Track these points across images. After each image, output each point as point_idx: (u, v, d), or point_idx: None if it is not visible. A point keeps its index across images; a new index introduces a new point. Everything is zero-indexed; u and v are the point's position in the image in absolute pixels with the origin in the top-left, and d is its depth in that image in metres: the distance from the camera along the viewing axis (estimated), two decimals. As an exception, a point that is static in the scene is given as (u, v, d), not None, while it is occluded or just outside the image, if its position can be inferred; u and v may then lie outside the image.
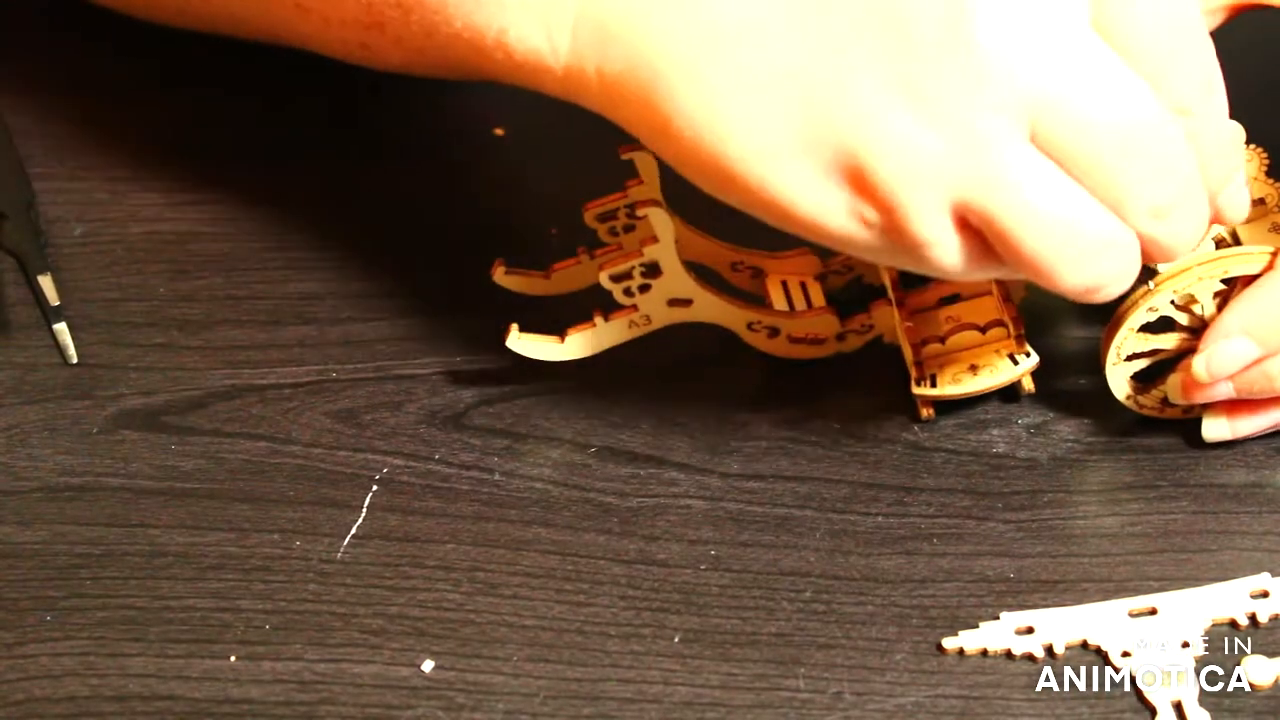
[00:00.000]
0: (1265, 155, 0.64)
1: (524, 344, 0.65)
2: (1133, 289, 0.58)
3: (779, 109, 0.55)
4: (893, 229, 0.55)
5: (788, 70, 0.55)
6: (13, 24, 0.78)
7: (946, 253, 0.56)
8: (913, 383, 0.64)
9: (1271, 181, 0.64)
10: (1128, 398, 0.64)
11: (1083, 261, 0.55)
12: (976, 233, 0.55)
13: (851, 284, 0.68)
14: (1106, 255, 0.56)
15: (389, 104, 0.75)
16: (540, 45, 0.59)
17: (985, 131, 0.54)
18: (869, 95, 0.54)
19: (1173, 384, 0.62)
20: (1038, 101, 0.54)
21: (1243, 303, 0.61)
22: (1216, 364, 0.61)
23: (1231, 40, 0.60)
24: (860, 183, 0.55)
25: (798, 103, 0.54)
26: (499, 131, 0.75)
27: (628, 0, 0.57)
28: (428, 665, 0.60)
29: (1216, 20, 0.61)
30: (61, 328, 0.68)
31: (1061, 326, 0.67)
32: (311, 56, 0.71)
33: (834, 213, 0.55)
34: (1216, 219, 0.59)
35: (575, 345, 0.65)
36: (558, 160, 0.73)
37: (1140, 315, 0.61)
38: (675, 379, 0.67)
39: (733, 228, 0.66)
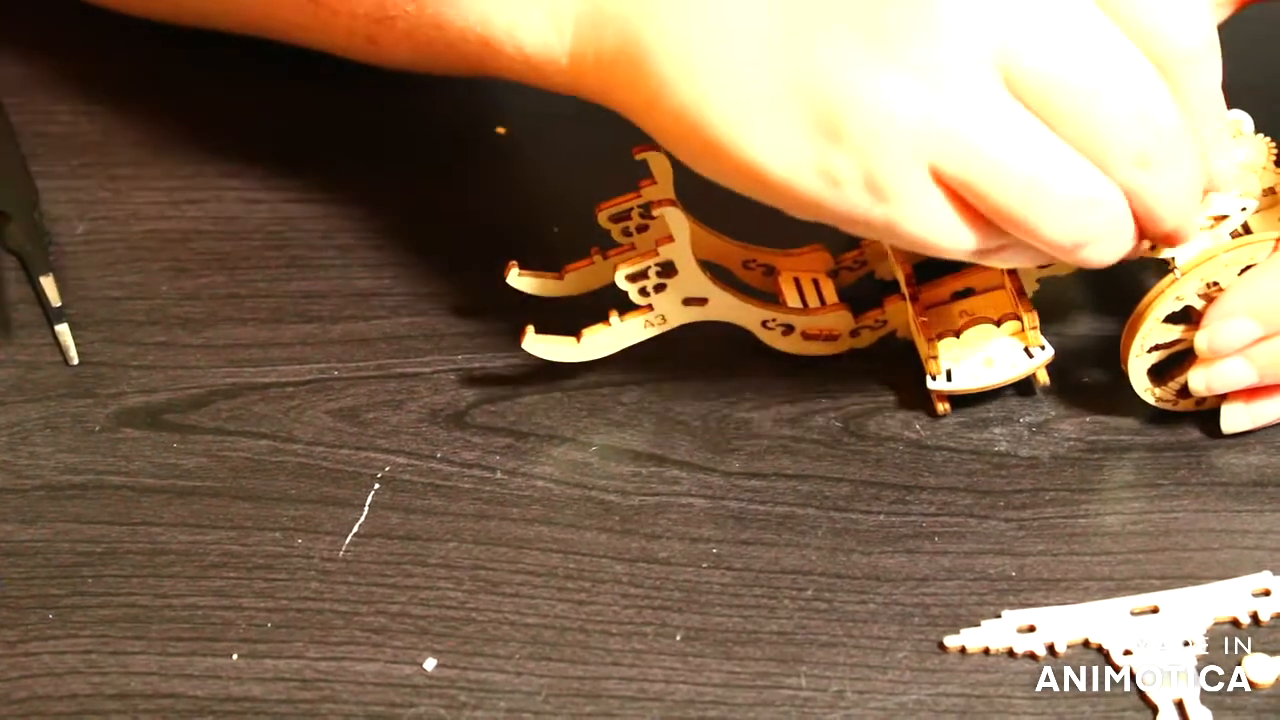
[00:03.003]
0: (1275, 145, 0.64)
1: (540, 346, 0.65)
2: (1156, 278, 0.58)
3: (755, 71, 0.55)
4: (867, 185, 0.55)
5: (764, 32, 0.55)
6: (15, 23, 0.78)
7: (919, 212, 0.56)
8: (928, 378, 0.64)
9: None
10: (1146, 390, 0.64)
11: (1063, 215, 0.55)
12: (954, 196, 0.55)
13: (864, 280, 0.68)
14: (1088, 209, 0.55)
15: (391, 102, 0.75)
16: (548, 36, 0.60)
17: (955, 82, 0.54)
18: (842, 51, 0.54)
19: (1195, 374, 0.62)
20: (1009, 51, 0.54)
21: (1246, 282, 0.61)
22: (1218, 341, 0.61)
23: (1241, 31, 0.60)
24: (835, 136, 0.55)
25: (773, 64, 0.55)
26: (501, 130, 0.75)
27: None
28: (430, 663, 0.60)
29: (1226, 12, 0.62)
30: (63, 329, 0.68)
31: (1066, 324, 0.67)
32: (314, 55, 0.71)
33: (807, 172, 0.55)
34: (1209, 188, 0.59)
35: (591, 346, 0.65)
36: (560, 159, 0.73)
37: (1167, 304, 0.61)
38: (676, 377, 0.67)
39: (744, 226, 0.66)
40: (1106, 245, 0.57)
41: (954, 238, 0.57)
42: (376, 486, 0.64)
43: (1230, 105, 0.63)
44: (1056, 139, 0.55)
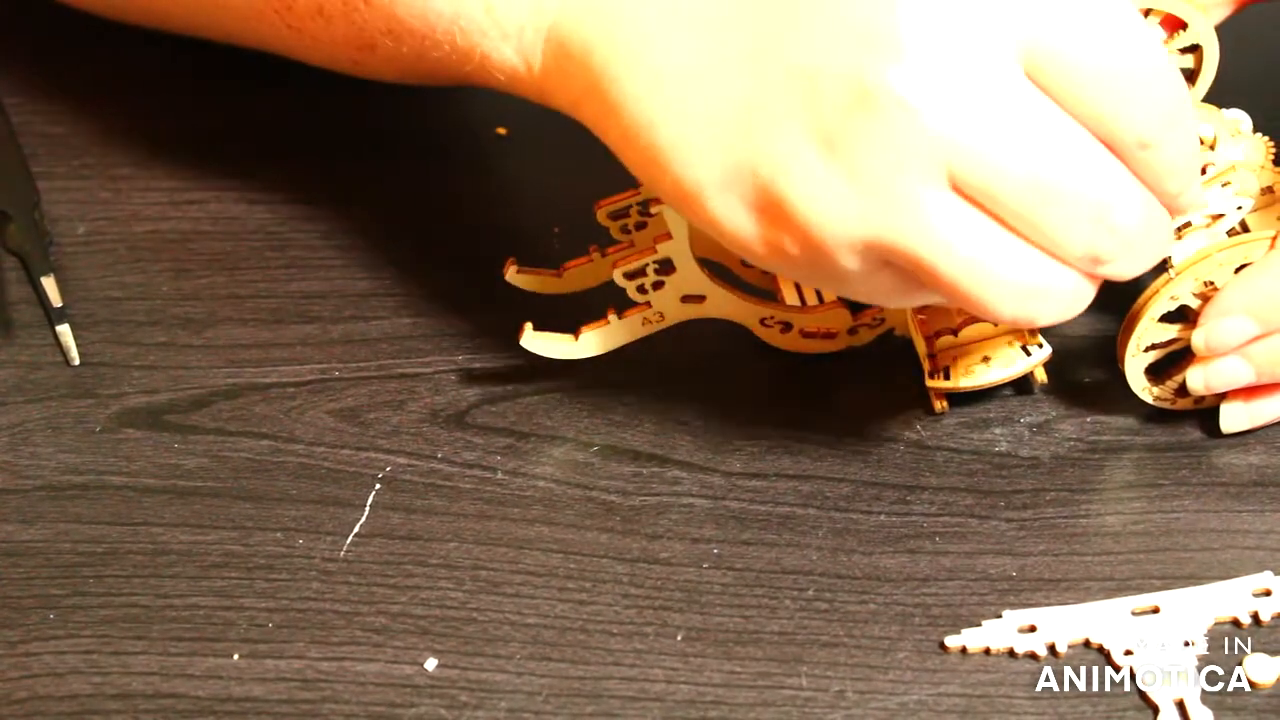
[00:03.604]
0: (1273, 144, 0.64)
1: (538, 343, 0.65)
2: (1152, 277, 0.58)
3: (710, 146, 0.57)
4: (810, 261, 0.56)
5: (720, 113, 0.56)
6: (16, 24, 0.78)
7: (874, 287, 0.57)
8: (926, 375, 0.64)
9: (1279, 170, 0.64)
10: (1143, 389, 0.64)
11: (1013, 301, 0.56)
12: (902, 268, 0.56)
13: None
14: (1038, 298, 0.56)
15: (391, 103, 0.75)
16: (517, 66, 0.62)
17: (896, 181, 0.54)
18: (789, 141, 0.55)
19: (1193, 373, 0.62)
20: (953, 149, 0.54)
21: (1243, 280, 0.61)
22: (1215, 339, 0.61)
23: (1241, 31, 0.60)
24: (780, 219, 0.56)
25: (728, 141, 0.56)
26: (501, 130, 0.75)
27: (585, 35, 0.59)
28: (430, 663, 0.60)
29: (1226, 12, 0.62)
30: (64, 330, 0.68)
31: (1066, 325, 0.67)
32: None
33: (760, 242, 0.57)
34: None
35: (589, 343, 0.65)
36: (560, 159, 0.73)
37: (1162, 304, 0.61)
38: (677, 378, 0.67)
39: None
40: (1061, 319, 0.57)
41: (913, 300, 0.58)
42: (377, 487, 0.64)
43: (1229, 104, 0.63)
44: (1005, 232, 0.55)
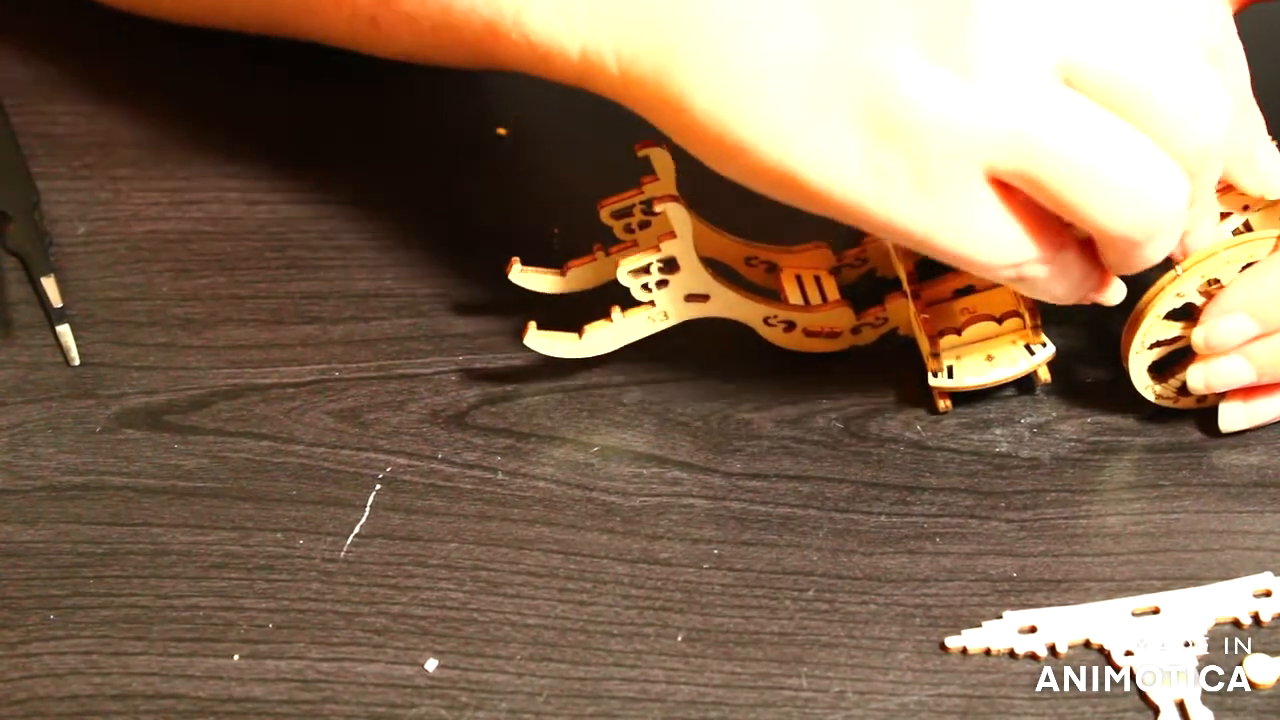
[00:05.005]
0: (1278, 144, 0.64)
1: (541, 341, 0.65)
2: (1159, 274, 0.59)
3: (797, 73, 0.55)
4: (917, 182, 0.55)
5: (807, 34, 0.55)
6: (16, 24, 0.78)
7: (963, 217, 0.55)
8: (929, 374, 0.64)
9: None
10: (1146, 387, 0.64)
11: (1131, 202, 0.55)
12: (1003, 203, 0.55)
13: (865, 277, 0.68)
14: (1156, 195, 0.55)
15: (392, 104, 0.75)
16: (558, 27, 0.59)
17: (1011, 80, 0.53)
18: (895, 51, 0.54)
19: (1194, 371, 0.62)
20: (1066, 38, 0.54)
21: (1246, 280, 0.61)
22: (1215, 338, 0.61)
23: (1241, 31, 0.60)
24: (887, 132, 0.54)
25: (819, 65, 0.55)
26: (502, 131, 0.75)
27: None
28: (431, 664, 0.60)
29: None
30: (64, 330, 0.68)
31: (1067, 322, 0.67)
32: (315, 56, 0.71)
33: (854, 169, 0.55)
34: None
35: (593, 341, 0.65)
36: (561, 160, 0.73)
37: (1167, 301, 0.61)
38: (678, 378, 0.67)
39: (746, 223, 0.66)
40: (1168, 232, 0.56)
41: (990, 250, 0.56)
42: (378, 487, 0.64)
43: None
44: (1122, 124, 0.54)
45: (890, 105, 0.54)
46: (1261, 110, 0.61)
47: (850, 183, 0.55)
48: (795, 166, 0.56)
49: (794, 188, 0.56)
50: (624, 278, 0.64)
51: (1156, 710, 0.58)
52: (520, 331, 0.65)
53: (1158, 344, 0.63)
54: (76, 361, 0.68)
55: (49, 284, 0.69)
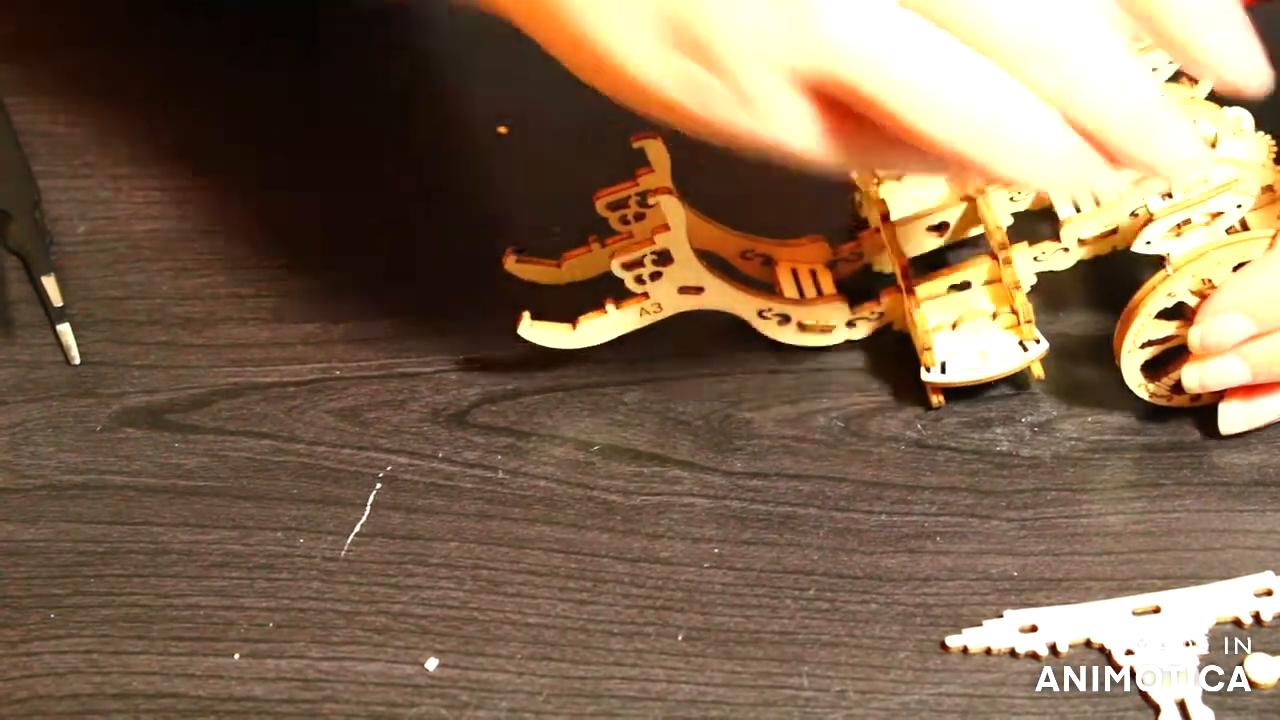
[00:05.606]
0: (1274, 142, 0.64)
1: (536, 332, 0.65)
2: (1150, 272, 0.58)
3: (637, 3, 0.53)
4: (732, 94, 0.53)
5: None
6: (16, 23, 0.78)
7: (787, 122, 0.53)
8: (923, 369, 0.64)
9: None
10: (1139, 385, 0.64)
11: (967, 130, 0.50)
12: (825, 104, 0.52)
13: (861, 272, 0.68)
14: (999, 128, 0.50)
15: (393, 101, 0.75)
16: None
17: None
18: None
19: (1189, 371, 0.62)
20: None
21: (1240, 279, 0.61)
22: (1211, 337, 0.61)
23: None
24: (695, 48, 0.53)
25: None
26: (503, 129, 0.75)
27: None
28: (431, 663, 0.60)
29: None
30: (65, 329, 0.68)
31: (1065, 323, 0.67)
32: (315, 54, 0.71)
33: (673, 82, 0.53)
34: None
35: (587, 333, 0.65)
36: (561, 158, 0.73)
37: (1159, 300, 0.61)
38: (678, 377, 0.67)
39: (742, 216, 0.66)
40: (1023, 156, 0.51)
41: (821, 148, 0.53)
42: (378, 486, 0.64)
43: (1230, 104, 0.63)
44: (954, 41, 0.50)
45: (696, 22, 0.52)
46: (1262, 110, 0.61)
47: (673, 92, 0.54)
48: (627, 75, 0.54)
49: (643, 97, 0.54)
50: (617, 270, 0.64)
51: (1157, 710, 0.58)
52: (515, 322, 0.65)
53: (1150, 343, 0.63)
54: (77, 360, 0.68)
55: (49, 283, 0.69)
